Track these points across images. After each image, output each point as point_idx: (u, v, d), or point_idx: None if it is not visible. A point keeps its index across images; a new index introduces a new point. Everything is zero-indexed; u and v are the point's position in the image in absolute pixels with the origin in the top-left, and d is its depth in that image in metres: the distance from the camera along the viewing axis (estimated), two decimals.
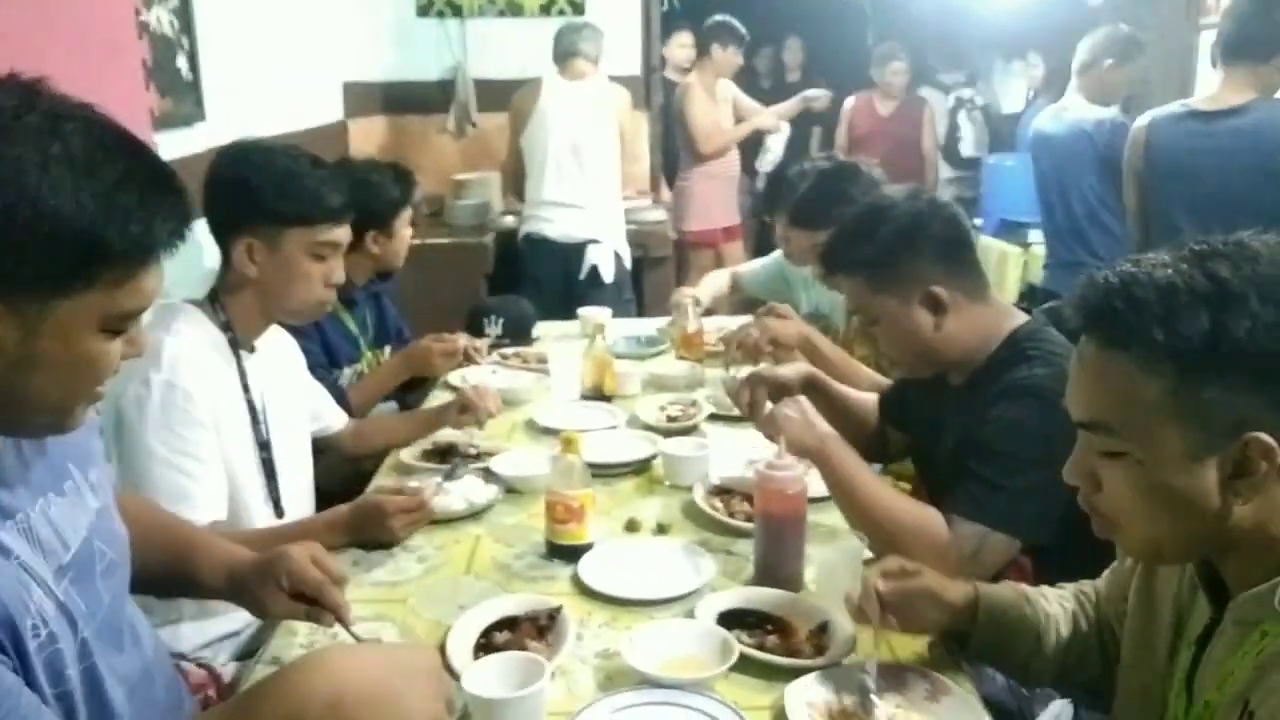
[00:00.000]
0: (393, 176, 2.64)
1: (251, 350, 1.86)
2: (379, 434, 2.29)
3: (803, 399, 1.79)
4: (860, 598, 1.32)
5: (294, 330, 2.09)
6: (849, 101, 5.72)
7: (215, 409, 1.72)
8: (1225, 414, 0.92)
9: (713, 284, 3.22)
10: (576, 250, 3.98)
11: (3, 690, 0.87)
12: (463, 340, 2.65)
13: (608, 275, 3.99)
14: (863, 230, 1.70)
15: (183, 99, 2.53)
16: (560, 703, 1.27)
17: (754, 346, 2.43)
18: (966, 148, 6.19)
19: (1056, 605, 1.37)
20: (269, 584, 1.30)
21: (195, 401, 1.67)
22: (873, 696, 1.25)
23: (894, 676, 1.31)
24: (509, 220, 4.42)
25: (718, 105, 5.15)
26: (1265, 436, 0.92)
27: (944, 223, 1.68)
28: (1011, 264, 4.56)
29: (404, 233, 2.67)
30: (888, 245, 1.67)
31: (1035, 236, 4.38)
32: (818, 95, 5.22)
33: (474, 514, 1.86)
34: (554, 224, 4.02)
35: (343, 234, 1.88)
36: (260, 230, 1.78)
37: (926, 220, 1.67)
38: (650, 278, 4.51)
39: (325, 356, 2.47)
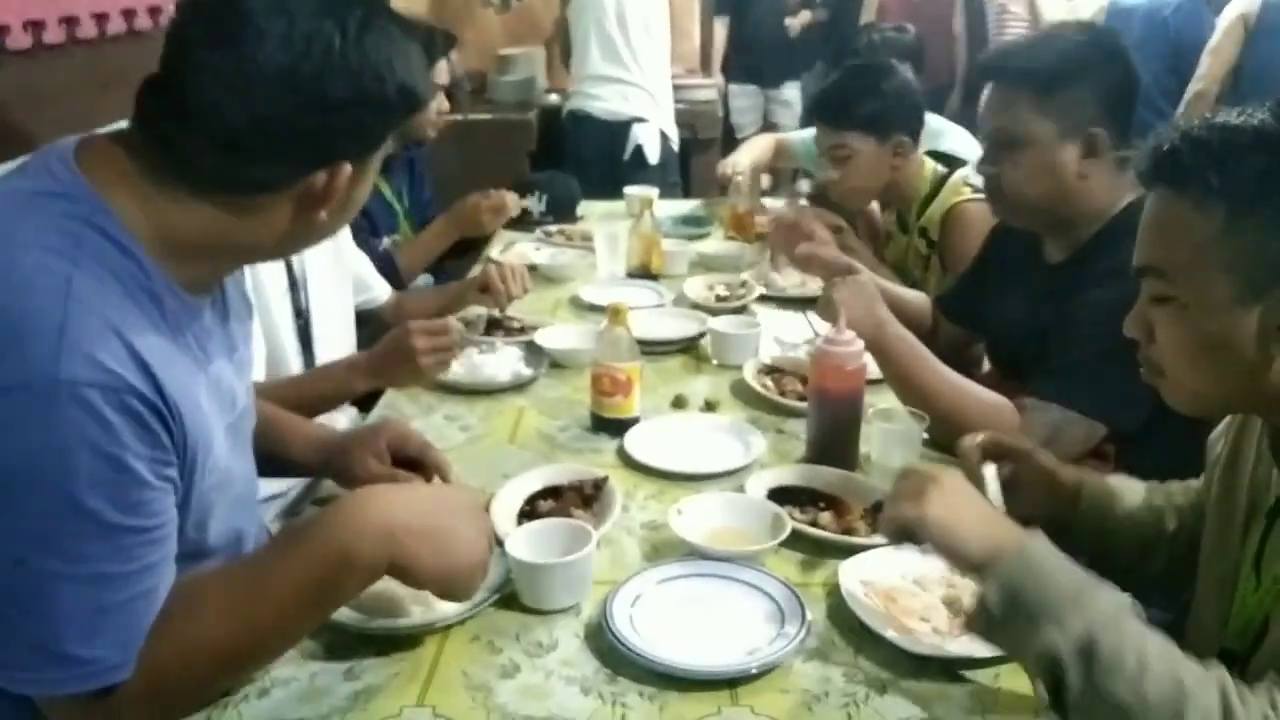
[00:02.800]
0: (422, 39, 2.52)
1: None
2: (416, 309, 2.24)
3: (862, 278, 1.71)
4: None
5: None
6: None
7: (254, 271, 1.68)
8: (1269, 261, 0.92)
9: (755, 149, 3.09)
10: (621, 129, 3.85)
11: (165, 516, 0.91)
12: (510, 196, 2.57)
13: (653, 156, 3.87)
14: (1042, 41, 1.58)
15: None
16: (606, 571, 1.24)
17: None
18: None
19: (1162, 498, 1.30)
20: (365, 453, 1.36)
21: None
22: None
23: None
24: (553, 98, 4.29)
25: None
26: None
27: (1122, 69, 1.56)
28: None
29: (431, 102, 2.56)
30: (1065, 63, 1.54)
31: None
32: None
33: (517, 386, 1.81)
34: (598, 101, 3.88)
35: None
36: None
37: (1109, 56, 1.55)
38: (698, 160, 4.38)
39: (368, 227, 2.42)
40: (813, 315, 1.83)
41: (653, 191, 2.92)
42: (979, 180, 2.31)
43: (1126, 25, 3.45)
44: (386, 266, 2.32)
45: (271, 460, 1.40)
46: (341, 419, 1.84)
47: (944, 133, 2.81)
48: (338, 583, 0.97)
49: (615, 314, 1.61)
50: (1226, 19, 3.10)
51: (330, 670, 1.07)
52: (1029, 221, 1.71)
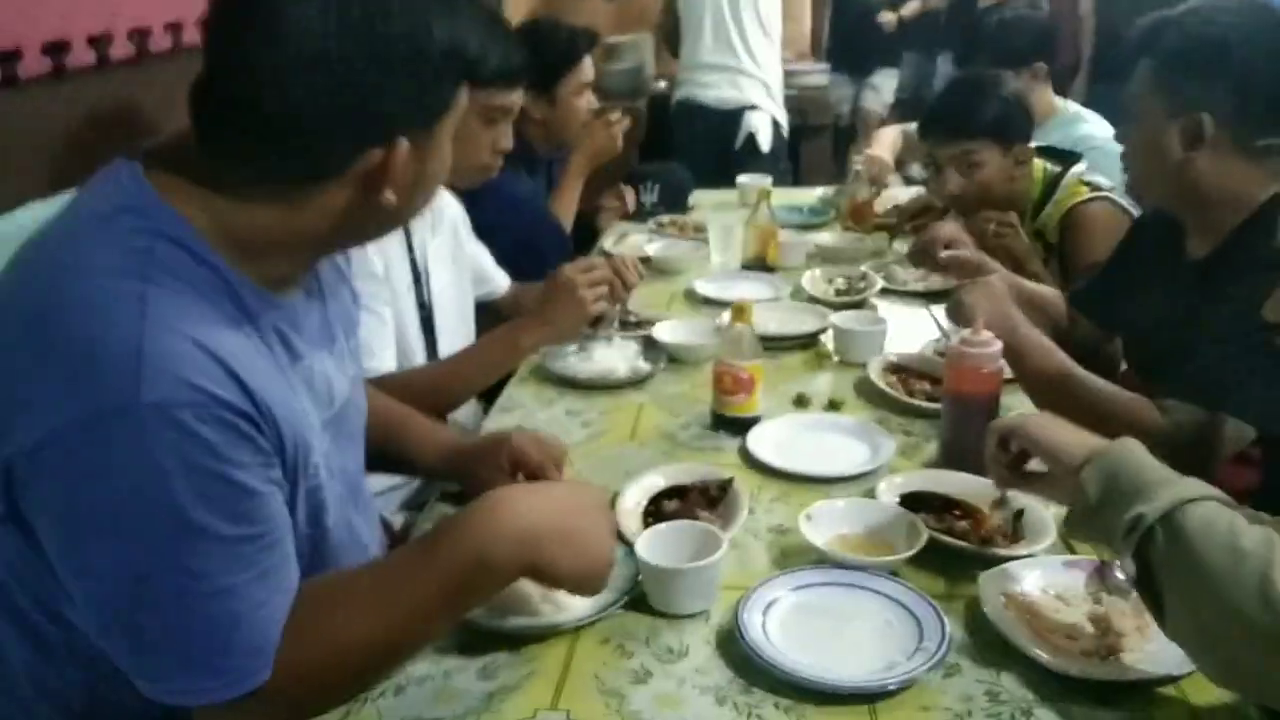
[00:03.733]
0: (564, 35, 2.52)
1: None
2: (533, 299, 2.25)
3: (993, 280, 1.65)
4: None
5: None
6: None
7: (386, 264, 1.71)
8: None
9: (885, 141, 3.02)
10: (733, 117, 3.81)
11: (277, 519, 0.91)
12: (620, 207, 2.58)
13: (765, 144, 3.82)
14: (1195, 14, 1.49)
15: None
16: (734, 576, 1.21)
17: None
18: None
19: None
20: (491, 466, 1.36)
21: (368, 254, 1.65)
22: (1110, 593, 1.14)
23: (1100, 571, 1.20)
24: (662, 85, 4.26)
25: None
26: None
27: (1273, 55, 1.46)
28: None
29: (572, 102, 2.55)
30: (1202, 40, 1.46)
31: None
32: None
33: (636, 381, 1.80)
34: (710, 89, 3.84)
35: (515, 99, 1.82)
36: None
37: (1261, 36, 1.44)
38: (808, 147, 4.32)
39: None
40: (940, 314, 1.77)
41: (767, 180, 2.88)
42: (1097, 178, 2.22)
43: None
44: (558, 241, 2.37)
45: (391, 460, 1.44)
46: (462, 410, 1.86)
47: (1082, 118, 2.70)
48: (474, 586, 0.98)
49: (739, 311, 1.58)
50: None
51: (464, 668, 1.08)
52: (1152, 201, 1.64)
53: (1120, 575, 1.15)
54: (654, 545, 1.18)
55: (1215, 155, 1.48)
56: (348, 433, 1.15)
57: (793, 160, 4.11)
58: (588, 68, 2.58)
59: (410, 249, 1.81)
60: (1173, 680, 1.03)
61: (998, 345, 1.43)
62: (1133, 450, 1.00)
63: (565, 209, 2.56)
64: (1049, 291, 1.99)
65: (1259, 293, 1.37)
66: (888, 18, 5.03)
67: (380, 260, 1.69)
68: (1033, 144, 2.29)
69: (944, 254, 2.01)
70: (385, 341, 1.67)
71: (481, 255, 2.14)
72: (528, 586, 1.14)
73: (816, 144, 4.35)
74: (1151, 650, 1.07)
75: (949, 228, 2.12)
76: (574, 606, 1.15)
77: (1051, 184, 2.23)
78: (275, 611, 0.91)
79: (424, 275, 1.86)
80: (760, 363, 1.59)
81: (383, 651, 0.98)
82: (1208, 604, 0.87)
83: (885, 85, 5.28)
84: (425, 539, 1.02)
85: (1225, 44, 1.45)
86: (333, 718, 1.01)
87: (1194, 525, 0.89)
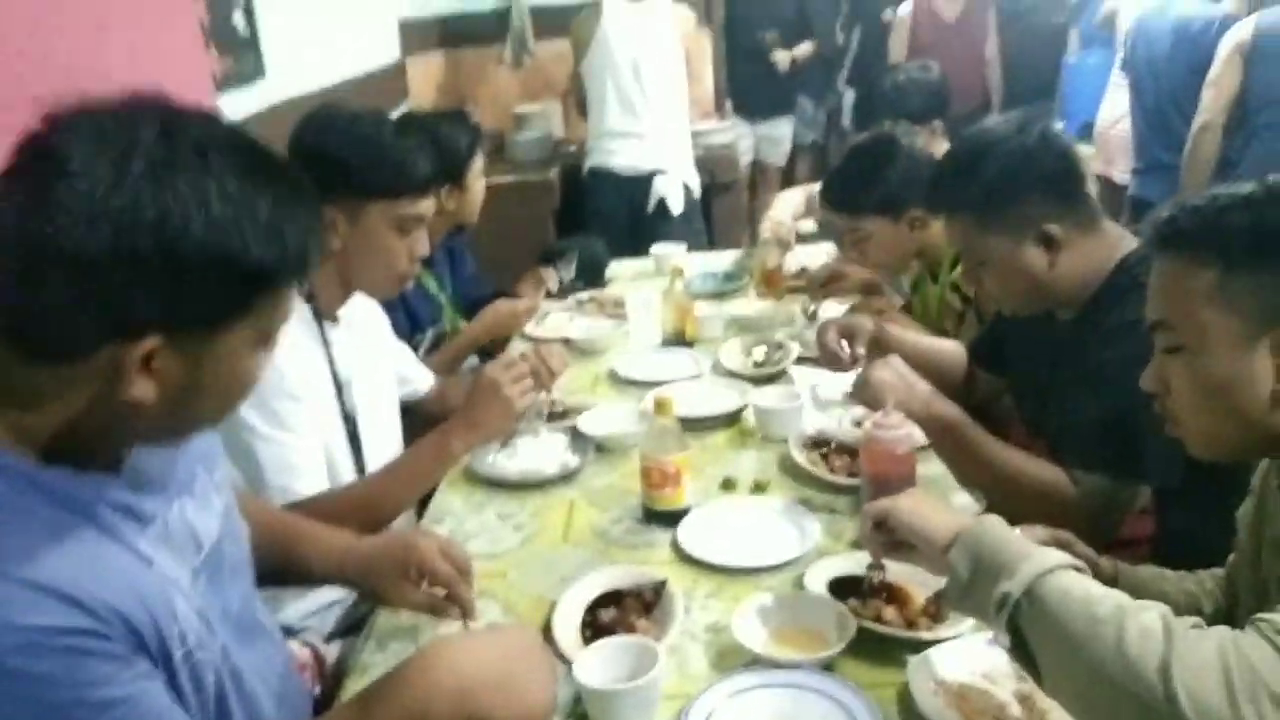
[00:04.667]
0: (461, 124, 2.56)
1: (335, 321, 1.83)
2: (458, 395, 2.26)
3: (895, 359, 1.71)
4: None
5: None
6: (904, 8, 4.94)
7: (305, 381, 1.70)
8: (1265, 304, 1.03)
9: (788, 204, 3.09)
10: (643, 182, 3.87)
11: (157, 711, 0.87)
12: (540, 295, 2.60)
13: (676, 207, 3.88)
14: (968, 168, 1.60)
15: (243, 56, 2.46)
16: (673, 684, 1.24)
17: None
18: None
19: (1193, 584, 1.30)
20: (397, 576, 1.30)
21: (285, 375, 1.64)
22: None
23: None
24: (572, 150, 4.32)
25: None
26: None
27: (1055, 157, 1.57)
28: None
29: (477, 185, 2.58)
30: (996, 184, 1.56)
31: None
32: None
33: (565, 476, 1.82)
34: (618, 155, 3.90)
35: (427, 206, 1.82)
36: (343, 202, 1.72)
37: (1037, 156, 1.56)
38: (720, 205, 4.39)
39: (408, 322, 2.43)
40: (851, 402, 1.82)
41: (680, 250, 2.93)
42: None
43: (1155, 39, 3.44)
44: None
45: (290, 572, 1.39)
46: (396, 522, 1.85)
47: None
48: None
49: (660, 406, 1.62)
50: (1224, 50, 3.10)
51: None
52: (1025, 311, 1.73)
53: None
54: (593, 666, 1.19)
55: (1070, 250, 1.59)
56: (229, 568, 1.10)
57: (705, 219, 4.19)
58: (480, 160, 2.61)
59: (330, 359, 1.81)
60: None
61: (908, 427, 1.49)
62: (992, 527, 1.07)
63: (450, 363, 2.51)
64: (942, 344, 2.07)
65: (1125, 355, 1.45)
66: (780, 56, 5.14)
67: (298, 378, 1.68)
68: None
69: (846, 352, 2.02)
70: (312, 463, 1.66)
71: (402, 355, 2.14)
72: None
73: (728, 201, 4.44)
74: None
75: (838, 324, 2.16)
76: None
77: None
78: None
79: (346, 385, 1.86)
80: (686, 455, 1.62)
81: None
82: (1074, 666, 0.93)
83: (782, 134, 5.41)
84: (362, 698, 1.02)
85: (1017, 173, 1.57)
86: None
87: (1053, 596, 0.96)
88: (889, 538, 1.21)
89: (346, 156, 1.70)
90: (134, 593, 0.88)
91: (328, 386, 1.80)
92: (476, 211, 2.60)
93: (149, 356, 0.85)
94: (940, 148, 2.89)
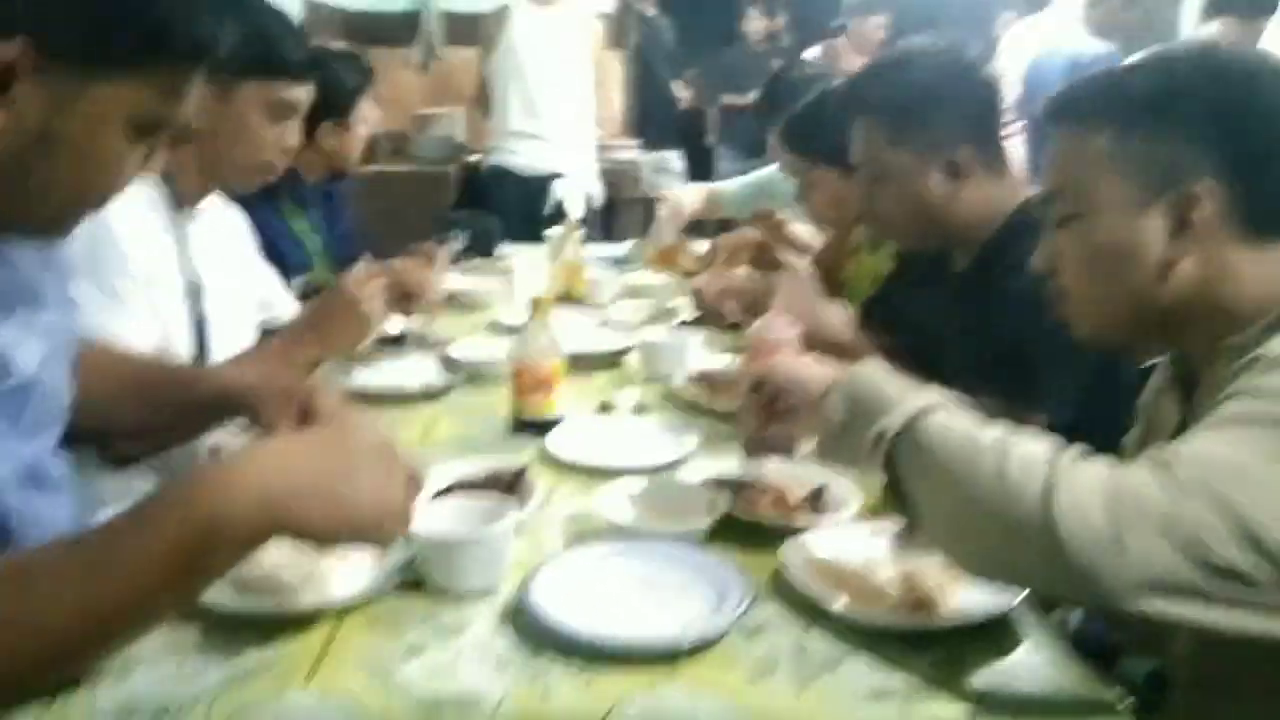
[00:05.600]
0: (353, 65, 2.45)
1: (192, 215, 1.68)
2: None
3: (803, 275, 1.63)
4: None
5: None
6: (811, 52, 4.74)
7: (149, 268, 1.54)
8: (1159, 166, 0.99)
9: (688, 192, 3.03)
10: (542, 183, 3.81)
11: None
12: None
13: (575, 212, 3.78)
14: (893, 72, 1.55)
15: None
16: (525, 554, 1.11)
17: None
18: None
19: None
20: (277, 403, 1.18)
21: (129, 256, 1.49)
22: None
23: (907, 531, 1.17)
24: (474, 158, 4.24)
25: None
26: (1201, 185, 0.96)
27: (980, 86, 1.55)
28: None
29: (360, 129, 2.46)
30: (918, 94, 1.52)
31: None
32: None
33: (430, 395, 1.69)
34: (518, 155, 3.86)
35: (304, 94, 1.70)
36: (214, 77, 1.59)
37: (964, 80, 1.53)
38: (621, 220, 4.35)
39: (276, 266, 2.26)
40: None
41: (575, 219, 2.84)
42: None
43: (1050, 77, 3.55)
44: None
45: (160, 421, 1.30)
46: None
47: None
48: (204, 555, 0.80)
49: (537, 306, 1.51)
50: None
51: (202, 651, 0.93)
52: (911, 243, 1.69)
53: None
54: (433, 524, 1.06)
55: (973, 185, 1.55)
56: (32, 416, 1.00)
57: (605, 233, 4.13)
58: (372, 112, 2.49)
59: (183, 255, 1.65)
60: (981, 626, 1.00)
61: (795, 328, 1.41)
62: (872, 371, 1.02)
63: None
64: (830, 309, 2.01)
65: (1019, 292, 1.42)
66: (682, 94, 5.20)
67: (144, 262, 1.53)
68: None
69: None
70: (142, 345, 1.50)
71: (269, 279, 1.99)
72: (282, 569, 1.00)
73: (629, 218, 4.40)
74: (961, 602, 1.03)
75: (719, 279, 2.09)
76: (336, 591, 1.01)
77: None
78: None
79: (197, 288, 1.70)
80: (560, 361, 1.52)
81: (91, 632, 0.80)
82: (953, 500, 0.90)
83: (675, 166, 5.44)
84: (146, 499, 0.85)
85: (941, 91, 1.54)
86: (40, 705, 0.83)
87: (933, 430, 0.92)
88: (765, 402, 1.12)
89: None
90: None
91: (176, 281, 1.65)
92: (356, 156, 2.46)
93: (7, 72, 0.82)
94: None
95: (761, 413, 1.13)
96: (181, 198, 1.65)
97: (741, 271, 2.10)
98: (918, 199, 1.56)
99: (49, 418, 1.07)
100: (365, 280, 1.61)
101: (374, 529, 0.87)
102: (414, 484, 0.90)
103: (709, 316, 2.00)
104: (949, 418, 0.93)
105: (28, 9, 0.84)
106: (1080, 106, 1.07)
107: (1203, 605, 0.81)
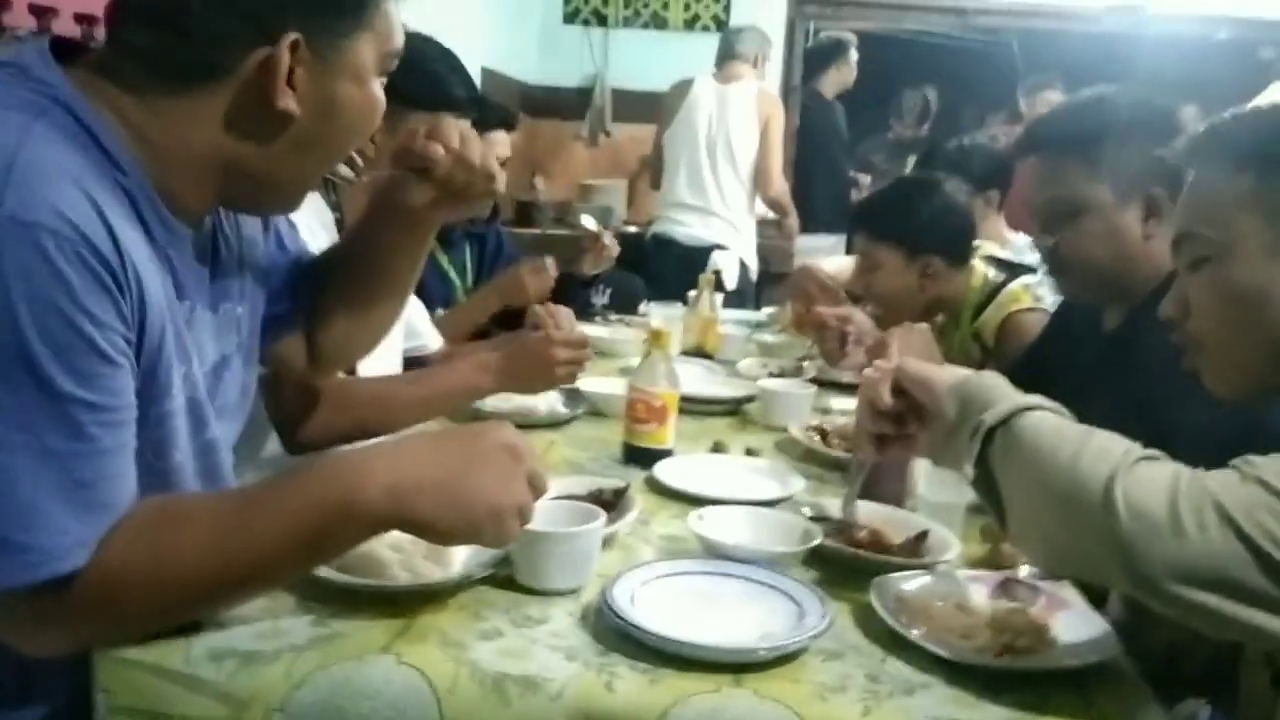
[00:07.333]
0: (496, 109, 2.49)
1: None
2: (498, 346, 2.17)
3: (920, 328, 1.61)
4: None
5: None
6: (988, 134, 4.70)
7: None
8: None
9: (830, 261, 3.03)
10: (702, 254, 3.88)
11: (124, 398, 0.84)
12: (549, 259, 2.48)
13: (730, 282, 3.86)
14: (1089, 107, 1.52)
15: None
16: (616, 568, 1.11)
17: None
18: None
19: None
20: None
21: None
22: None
23: (1004, 585, 1.13)
24: (632, 229, 4.36)
25: None
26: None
27: (1173, 129, 1.48)
28: None
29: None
30: (1116, 128, 1.48)
31: None
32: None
33: (553, 423, 1.74)
34: (683, 226, 3.96)
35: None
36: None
37: (1157, 119, 1.48)
38: (769, 295, 4.36)
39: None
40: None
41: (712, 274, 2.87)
42: (1044, 291, 2.23)
43: None
44: None
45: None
46: None
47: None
48: (332, 532, 0.88)
49: (656, 337, 1.55)
50: None
51: (295, 613, 0.98)
52: (1096, 292, 1.62)
53: (1030, 581, 1.13)
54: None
55: (1164, 229, 1.48)
56: (218, 406, 1.05)
57: (756, 304, 4.16)
58: (503, 140, 2.46)
59: None
60: (1068, 674, 0.95)
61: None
62: (992, 376, 1.02)
63: (460, 325, 2.36)
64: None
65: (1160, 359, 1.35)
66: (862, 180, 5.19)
67: None
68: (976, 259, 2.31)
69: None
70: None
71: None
72: (384, 553, 1.06)
73: (780, 291, 4.41)
74: (1052, 649, 0.99)
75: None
76: (431, 575, 1.06)
77: (993, 291, 2.24)
78: (101, 496, 0.82)
79: None
80: (675, 393, 1.54)
81: (216, 582, 0.87)
82: (1028, 488, 0.92)
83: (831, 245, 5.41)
84: (290, 474, 0.93)
85: (1134, 126, 1.50)
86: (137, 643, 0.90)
87: (1027, 425, 0.93)
88: (889, 410, 1.08)
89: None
90: (156, 293, 0.88)
91: None
92: (481, 198, 2.53)
93: (291, 70, 0.89)
94: (995, 223, 2.85)
95: (876, 439, 1.11)
96: (348, 222, 1.78)
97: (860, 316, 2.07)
98: (1113, 237, 1.51)
99: (233, 413, 1.11)
100: (569, 344, 1.65)
101: (488, 529, 0.92)
102: (536, 487, 0.94)
103: (829, 351, 2.00)
104: (1046, 415, 0.95)
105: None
106: (1221, 148, 1.05)
107: (1247, 604, 0.80)
